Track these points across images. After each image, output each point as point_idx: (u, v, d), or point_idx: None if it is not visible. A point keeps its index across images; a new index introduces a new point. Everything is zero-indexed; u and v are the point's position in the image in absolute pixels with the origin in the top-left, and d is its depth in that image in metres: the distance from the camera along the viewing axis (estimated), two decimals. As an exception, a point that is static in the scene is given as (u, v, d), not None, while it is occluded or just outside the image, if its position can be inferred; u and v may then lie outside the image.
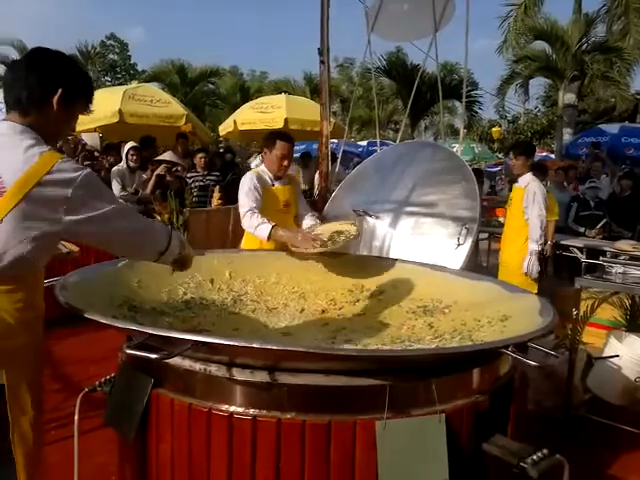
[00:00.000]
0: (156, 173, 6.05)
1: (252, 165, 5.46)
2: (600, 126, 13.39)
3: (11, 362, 1.61)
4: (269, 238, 3.01)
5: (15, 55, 22.18)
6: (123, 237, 1.70)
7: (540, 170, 6.25)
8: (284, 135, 3.39)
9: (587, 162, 9.54)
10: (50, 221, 1.53)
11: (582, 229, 6.71)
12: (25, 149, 1.52)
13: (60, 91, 1.61)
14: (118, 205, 1.66)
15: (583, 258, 5.62)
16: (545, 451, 1.56)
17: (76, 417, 2.04)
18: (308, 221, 3.40)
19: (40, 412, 1.72)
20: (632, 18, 13.35)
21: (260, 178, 3.29)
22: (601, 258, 3.66)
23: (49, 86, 1.61)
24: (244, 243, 3.44)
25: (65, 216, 1.53)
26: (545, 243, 4.70)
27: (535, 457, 1.54)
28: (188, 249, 1.94)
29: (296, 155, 8.95)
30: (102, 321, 1.66)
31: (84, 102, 1.74)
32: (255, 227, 3.05)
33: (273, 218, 3.12)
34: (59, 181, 1.51)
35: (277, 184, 3.37)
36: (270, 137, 3.37)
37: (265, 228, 3.00)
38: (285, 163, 3.29)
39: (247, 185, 3.23)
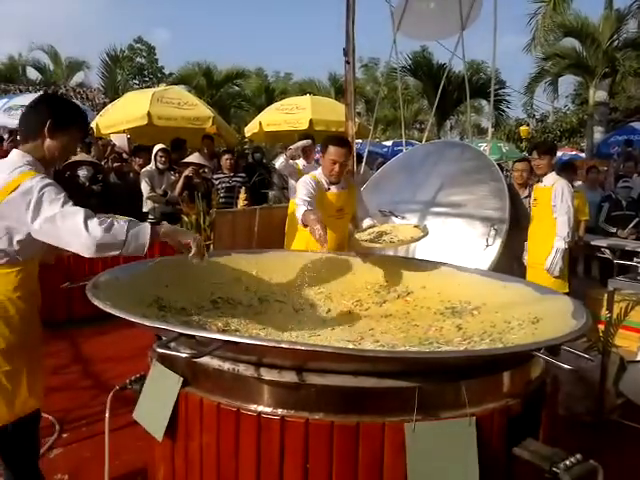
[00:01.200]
0: (184, 174, 6.12)
1: (276, 165, 5.49)
2: (632, 124, 13.07)
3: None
4: (303, 223, 2.95)
5: (47, 60, 22.74)
6: (69, 235, 1.88)
7: (570, 169, 6.14)
8: (336, 139, 3.41)
9: (619, 161, 9.29)
10: (19, 222, 1.91)
11: (614, 229, 6.55)
12: (12, 170, 1.94)
13: (49, 122, 2.01)
14: (67, 209, 1.88)
15: (615, 259, 5.49)
16: (579, 456, 1.53)
17: (107, 415, 2.07)
18: (367, 222, 3.37)
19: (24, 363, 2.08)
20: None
21: (317, 182, 3.32)
22: (635, 259, 3.57)
23: (40, 121, 2.02)
24: (294, 244, 3.57)
25: (30, 219, 1.88)
26: (575, 242, 4.60)
27: (568, 462, 1.51)
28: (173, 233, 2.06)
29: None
30: (133, 320, 1.68)
31: (77, 129, 2.13)
32: (300, 212, 3.00)
33: (325, 223, 3.14)
34: (23, 192, 1.88)
35: (333, 189, 3.37)
36: (324, 142, 3.42)
37: (300, 211, 2.97)
38: (336, 168, 3.29)
39: (303, 184, 3.27)
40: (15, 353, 2.03)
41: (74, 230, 1.84)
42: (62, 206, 1.87)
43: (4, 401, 2.04)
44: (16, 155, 2.02)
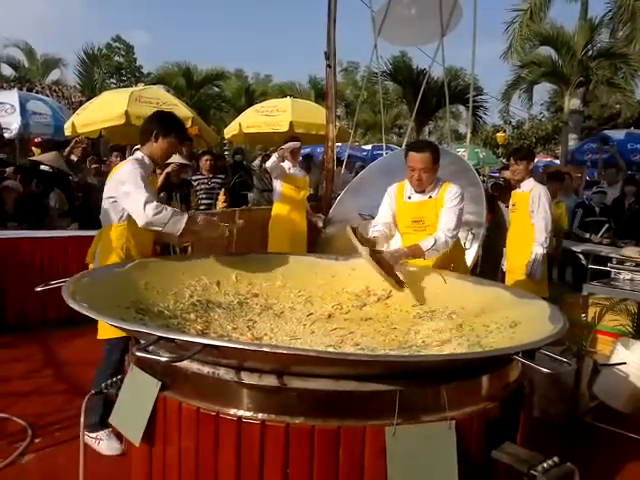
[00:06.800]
0: (166, 171, 6.03)
1: (267, 164, 5.48)
2: (606, 132, 13.33)
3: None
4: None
5: (22, 57, 22.27)
6: (132, 209, 2.68)
7: (556, 177, 6.26)
8: (414, 144, 3.16)
9: (600, 164, 9.29)
10: (117, 192, 2.76)
11: (587, 235, 6.69)
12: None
13: (155, 132, 2.87)
14: (138, 190, 2.65)
15: (589, 264, 5.60)
16: (556, 459, 1.55)
17: (82, 419, 2.03)
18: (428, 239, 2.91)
19: None
20: (638, 24, 13.33)
21: (398, 190, 3.13)
22: (609, 265, 3.64)
23: (150, 130, 2.89)
24: None
25: (118, 191, 2.74)
26: (555, 248, 4.68)
27: (546, 465, 1.53)
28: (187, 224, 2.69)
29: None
30: (111, 323, 1.65)
31: (176, 136, 2.93)
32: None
33: (401, 235, 3.11)
34: (119, 171, 2.81)
35: (414, 198, 3.09)
36: (405, 149, 3.19)
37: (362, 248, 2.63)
38: (415, 175, 2.97)
39: (385, 197, 3.16)
40: None
41: (136, 207, 2.63)
42: (135, 187, 2.64)
43: None
44: (137, 153, 2.92)
